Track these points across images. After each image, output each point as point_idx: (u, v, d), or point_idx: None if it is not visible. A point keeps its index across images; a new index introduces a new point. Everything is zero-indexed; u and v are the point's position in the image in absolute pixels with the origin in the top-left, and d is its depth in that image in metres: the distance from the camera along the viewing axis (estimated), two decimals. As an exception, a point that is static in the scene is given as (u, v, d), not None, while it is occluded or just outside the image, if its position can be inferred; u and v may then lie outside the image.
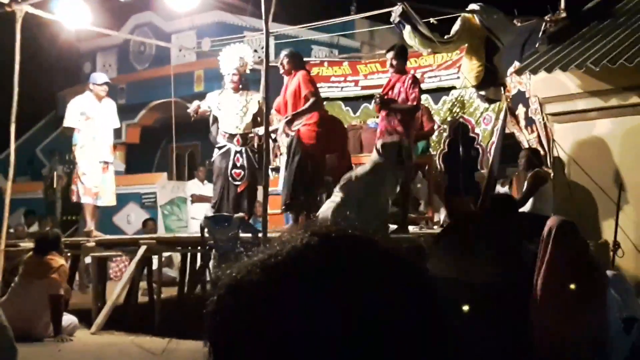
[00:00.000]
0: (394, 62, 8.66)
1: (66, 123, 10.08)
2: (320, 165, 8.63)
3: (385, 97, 8.54)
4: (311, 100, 8.50)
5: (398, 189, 8.21)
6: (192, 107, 9.48)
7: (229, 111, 9.25)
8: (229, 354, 0.86)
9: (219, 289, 0.89)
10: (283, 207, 8.73)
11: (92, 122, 9.90)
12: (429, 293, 0.88)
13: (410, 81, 8.50)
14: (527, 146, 9.73)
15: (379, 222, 7.62)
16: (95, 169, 9.93)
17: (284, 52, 8.97)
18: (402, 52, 8.79)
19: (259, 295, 0.84)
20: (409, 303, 0.84)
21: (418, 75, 11.25)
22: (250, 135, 9.27)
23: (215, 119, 9.47)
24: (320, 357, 0.80)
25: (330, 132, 8.73)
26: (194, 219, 12.88)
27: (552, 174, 9.13)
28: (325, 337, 0.80)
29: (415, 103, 8.44)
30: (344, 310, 0.81)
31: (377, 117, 10.23)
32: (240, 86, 9.35)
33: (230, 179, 9.17)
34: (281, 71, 8.87)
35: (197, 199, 13.10)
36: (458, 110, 11.12)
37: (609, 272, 5.57)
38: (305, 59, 9.86)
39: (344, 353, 0.80)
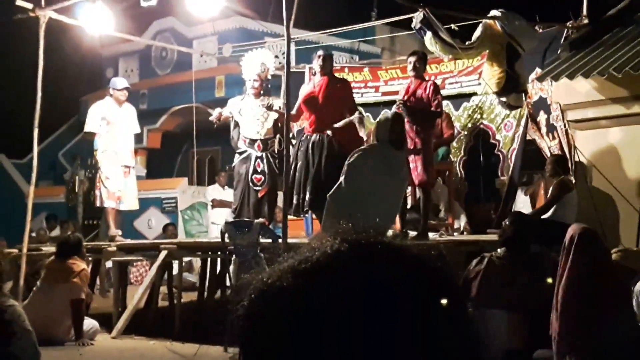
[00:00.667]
0: (417, 66, 8.63)
1: (87, 128, 10.14)
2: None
3: (407, 103, 8.53)
4: (357, 114, 8.79)
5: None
6: (214, 114, 9.50)
7: (250, 117, 9.27)
8: (260, 359, 0.87)
9: (249, 294, 0.90)
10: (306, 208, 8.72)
11: (113, 127, 9.96)
12: (460, 301, 0.89)
13: (432, 87, 8.48)
14: (548, 153, 9.68)
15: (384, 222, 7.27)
16: (117, 174, 9.98)
17: (323, 52, 8.97)
18: (424, 58, 8.81)
19: (289, 301, 0.85)
20: (440, 310, 0.85)
21: (439, 82, 11.27)
22: (271, 140, 9.28)
23: (237, 124, 9.50)
24: None
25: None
26: (214, 224, 12.91)
27: (573, 181, 9.08)
28: (356, 344, 0.80)
29: (438, 109, 8.45)
30: (374, 317, 0.81)
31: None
32: (262, 92, 9.36)
33: (250, 184, 9.19)
34: (318, 70, 8.81)
35: (218, 204, 13.14)
36: (479, 116, 11.08)
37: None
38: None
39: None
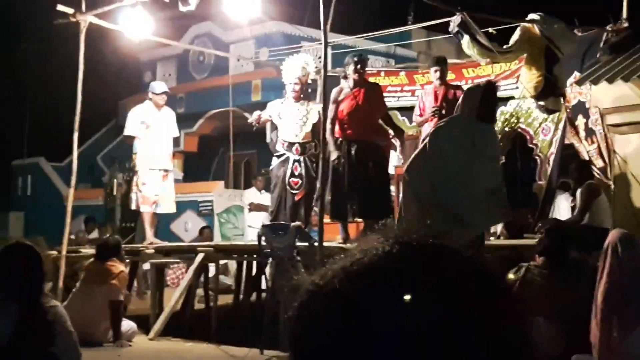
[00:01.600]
0: (439, 75, 8.90)
1: (127, 132, 10.24)
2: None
3: (442, 110, 8.56)
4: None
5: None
6: (253, 117, 9.54)
7: (289, 120, 9.29)
8: None
9: (300, 295, 0.90)
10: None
11: (152, 131, 10.05)
12: (512, 305, 0.89)
13: (457, 93, 8.58)
14: (586, 157, 9.59)
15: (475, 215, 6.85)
16: (155, 178, 10.06)
17: (360, 56, 9.00)
18: (446, 62, 9.06)
19: (343, 302, 0.85)
20: (493, 315, 0.85)
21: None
22: (309, 144, 9.29)
23: (275, 127, 9.54)
24: None
25: None
26: (250, 227, 12.97)
27: (612, 186, 8.98)
28: (409, 346, 0.81)
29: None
30: (426, 319, 0.81)
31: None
32: (302, 95, 9.39)
33: (288, 187, 9.22)
34: (354, 74, 8.79)
35: (255, 207, 13.19)
36: (516, 120, 11.00)
37: None
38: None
39: None
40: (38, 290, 4.05)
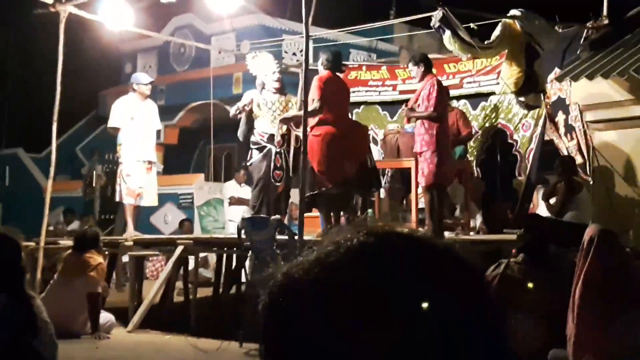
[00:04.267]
0: (413, 73, 8.97)
1: (111, 123, 10.17)
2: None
3: (410, 107, 8.75)
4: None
5: None
6: (232, 111, 9.55)
7: (268, 112, 9.30)
8: (287, 354, 0.86)
9: (270, 288, 0.90)
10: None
11: (136, 123, 10.01)
12: (485, 290, 0.89)
13: (428, 88, 8.54)
14: (566, 153, 9.65)
15: None
16: (140, 169, 10.03)
17: (335, 51, 9.08)
18: (420, 60, 8.82)
19: (319, 294, 0.84)
20: (469, 300, 0.85)
21: (457, 81, 11.26)
22: (287, 136, 9.29)
23: (249, 118, 9.50)
24: (383, 357, 0.81)
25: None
26: (231, 221, 12.93)
27: (591, 182, 9.04)
28: (387, 335, 0.81)
29: (433, 109, 8.41)
30: (405, 307, 0.81)
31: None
32: (280, 88, 9.45)
33: (272, 179, 9.22)
34: (332, 68, 8.79)
35: (236, 201, 13.15)
36: (496, 116, 11.06)
37: None
38: (343, 63, 9.88)
39: (406, 353, 0.81)
40: (21, 280, 4.02)
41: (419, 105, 8.62)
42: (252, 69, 9.56)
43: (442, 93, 8.66)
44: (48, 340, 3.67)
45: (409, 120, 9.30)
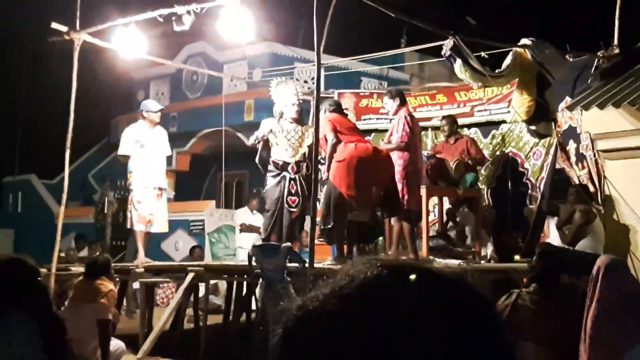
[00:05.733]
0: (387, 107, 9.35)
1: (121, 151, 10.20)
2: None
3: (387, 141, 9.19)
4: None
5: None
6: (251, 140, 9.62)
7: (284, 140, 9.33)
8: None
9: (286, 321, 0.91)
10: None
11: (147, 150, 10.05)
12: (498, 322, 0.90)
13: (398, 120, 9.03)
14: (577, 182, 9.63)
15: None
16: (150, 196, 10.05)
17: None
18: (395, 95, 9.31)
19: (335, 324, 0.86)
20: (482, 332, 0.86)
21: (467, 109, 11.30)
22: (302, 163, 9.32)
23: (266, 145, 9.54)
24: None
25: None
26: (241, 248, 12.93)
27: (602, 212, 9.01)
28: None
29: (401, 140, 8.89)
30: (420, 338, 0.83)
31: (426, 150, 10.36)
32: (299, 117, 9.51)
33: (286, 205, 9.23)
34: (338, 105, 9.19)
35: (246, 228, 13.17)
36: (507, 144, 11.06)
37: None
38: (354, 91, 10.00)
39: None
40: (42, 297, 4.04)
41: (390, 138, 9.10)
42: (275, 95, 9.59)
43: (412, 125, 9.05)
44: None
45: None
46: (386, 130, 11.91)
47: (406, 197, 8.83)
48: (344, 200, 8.53)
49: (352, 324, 0.85)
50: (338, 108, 9.22)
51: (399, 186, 8.81)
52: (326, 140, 8.65)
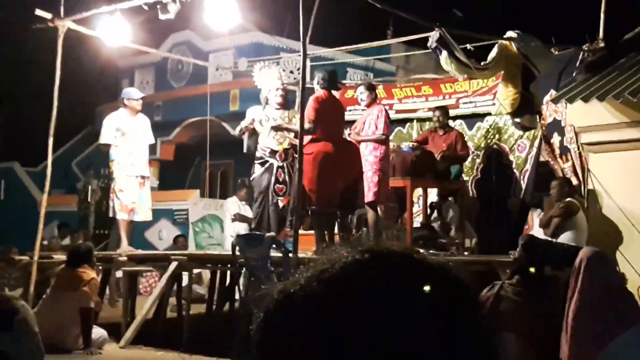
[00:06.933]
0: (363, 97, 9.17)
1: (102, 140, 10.10)
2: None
3: (356, 132, 9.09)
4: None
5: None
6: (236, 131, 9.59)
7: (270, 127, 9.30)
8: None
9: (267, 305, 0.90)
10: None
11: (128, 138, 9.97)
12: (476, 307, 0.90)
13: (376, 113, 8.94)
14: (561, 175, 9.67)
15: None
16: (133, 185, 9.99)
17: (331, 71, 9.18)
18: (371, 88, 9.28)
19: (317, 308, 0.86)
20: (461, 319, 0.86)
21: (453, 101, 11.32)
22: (290, 151, 9.29)
23: (253, 135, 9.52)
24: None
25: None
26: (232, 237, 12.90)
27: (586, 204, 9.06)
28: (385, 349, 0.81)
29: (382, 133, 8.85)
30: (403, 322, 0.82)
31: (410, 141, 10.35)
32: (284, 103, 9.48)
33: (273, 193, 9.21)
34: (329, 88, 8.93)
35: (240, 218, 13.14)
36: (492, 137, 11.09)
37: None
38: (339, 81, 10.00)
39: None
40: None
41: (362, 129, 9.01)
42: (258, 81, 9.55)
43: (389, 119, 9.14)
44: (35, 348, 3.63)
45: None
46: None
47: (375, 189, 8.75)
48: (304, 194, 8.48)
49: (333, 307, 0.85)
50: (330, 82, 8.85)
51: (374, 178, 8.73)
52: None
